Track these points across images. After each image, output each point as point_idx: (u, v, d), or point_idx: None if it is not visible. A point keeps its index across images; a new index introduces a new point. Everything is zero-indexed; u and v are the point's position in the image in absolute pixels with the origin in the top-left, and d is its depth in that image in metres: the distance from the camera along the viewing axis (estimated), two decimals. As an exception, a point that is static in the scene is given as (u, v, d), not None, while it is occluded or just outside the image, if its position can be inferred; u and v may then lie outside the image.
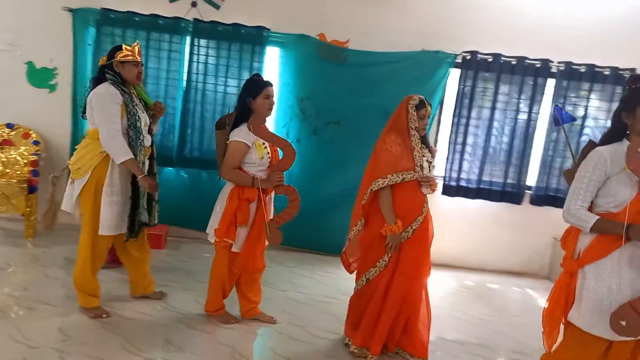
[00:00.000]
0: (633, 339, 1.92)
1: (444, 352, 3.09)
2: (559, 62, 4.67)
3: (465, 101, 4.76)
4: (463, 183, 4.83)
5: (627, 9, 4.62)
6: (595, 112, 4.76)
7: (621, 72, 4.66)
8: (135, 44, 3.01)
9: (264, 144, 2.92)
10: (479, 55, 4.67)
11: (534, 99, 4.74)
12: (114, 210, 2.89)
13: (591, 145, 2.14)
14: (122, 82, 2.92)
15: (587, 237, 2.03)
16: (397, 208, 2.72)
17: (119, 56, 2.89)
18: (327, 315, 3.43)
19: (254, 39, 4.66)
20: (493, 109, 4.75)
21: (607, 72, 4.67)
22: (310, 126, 4.78)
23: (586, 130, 4.78)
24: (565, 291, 2.05)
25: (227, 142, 2.88)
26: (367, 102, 4.64)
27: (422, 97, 2.81)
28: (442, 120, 4.91)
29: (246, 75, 4.70)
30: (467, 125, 4.77)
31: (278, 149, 3.05)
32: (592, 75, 4.68)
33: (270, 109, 2.94)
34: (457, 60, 4.68)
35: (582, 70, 4.68)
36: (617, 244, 1.91)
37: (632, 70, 4.63)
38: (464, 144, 4.78)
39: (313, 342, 3.03)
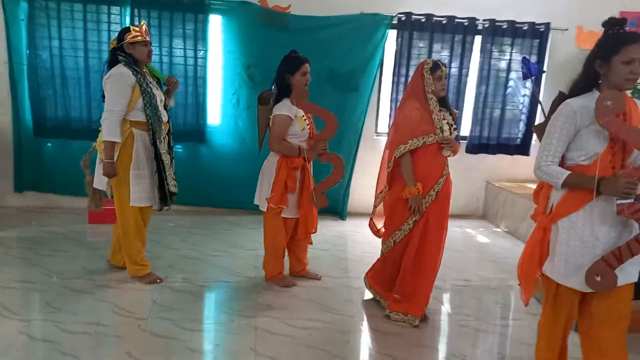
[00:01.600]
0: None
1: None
2: (484, 20, 5.08)
3: (403, 61, 5.08)
4: (405, 137, 5.21)
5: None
6: (516, 64, 5.24)
7: (537, 26, 5.15)
8: (142, 23, 3.11)
9: (304, 116, 3.12)
10: (413, 16, 4.98)
11: (464, 55, 5.15)
12: (142, 183, 3.08)
13: (561, 97, 2.08)
14: (135, 62, 3.04)
15: (558, 192, 2.00)
16: (418, 171, 2.77)
17: (129, 38, 3.02)
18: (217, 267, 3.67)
19: (195, 8, 4.67)
20: (428, 66, 5.11)
21: (525, 28, 5.15)
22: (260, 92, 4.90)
23: (510, 83, 5.29)
24: (539, 246, 2.05)
25: (270, 116, 3.12)
26: (313, 67, 4.80)
27: (436, 59, 2.84)
28: (383, 80, 5.22)
29: (190, 45, 4.75)
30: (406, 83, 5.10)
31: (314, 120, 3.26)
32: (513, 31, 5.15)
33: (307, 84, 3.11)
34: (393, 22, 4.97)
35: (504, 26, 5.13)
36: (589, 198, 1.89)
37: (547, 24, 5.13)
38: (404, 100, 5.14)
39: (196, 291, 3.29)
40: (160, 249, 3.92)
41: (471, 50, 5.16)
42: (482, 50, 5.17)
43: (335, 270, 3.71)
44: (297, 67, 3.08)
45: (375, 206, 3.09)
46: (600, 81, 1.94)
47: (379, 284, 3.10)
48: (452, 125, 2.84)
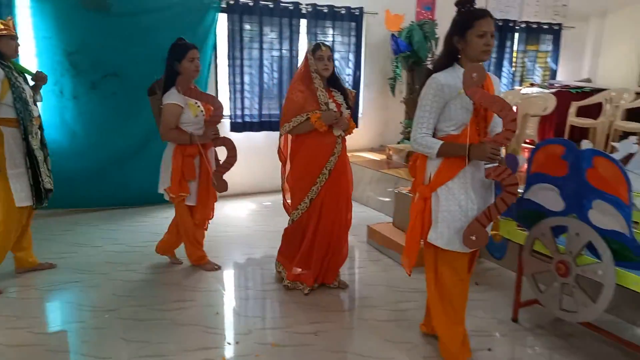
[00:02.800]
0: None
1: (263, 257, 3.72)
2: (307, 4, 5.46)
3: (236, 44, 5.21)
4: (247, 119, 5.39)
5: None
6: (339, 45, 5.78)
7: (353, 10, 5.72)
8: (9, 18, 2.95)
9: (196, 102, 3.04)
10: (241, 1, 5.12)
11: (292, 38, 5.48)
12: (23, 181, 3.00)
13: (427, 72, 2.19)
14: (1, 57, 2.95)
15: (434, 162, 2.10)
16: (307, 151, 2.88)
17: None
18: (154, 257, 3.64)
19: (-3, -12, 4.13)
20: (261, 49, 5.33)
21: (343, 12, 5.68)
22: (87, 81, 4.59)
23: (335, 63, 5.78)
24: (421, 216, 2.13)
25: (161, 106, 3.03)
26: (143, 52, 4.66)
27: (319, 41, 3.00)
28: (219, 64, 5.28)
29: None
30: (241, 66, 5.26)
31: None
32: (333, 14, 5.64)
33: (197, 71, 3.08)
34: (222, 6, 5.04)
35: (325, 10, 5.58)
36: (462, 164, 2.03)
37: (361, 8, 5.73)
38: (242, 83, 5.29)
39: (146, 278, 3.29)
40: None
41: (298, 32, 5.51)
42: (308, 33, 5.56)
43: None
44: (184, 53, 3.04)
45: (282, 188, 3.19)
46: (460, 56, 2.08)
47: (284, 256, 3.20)
48: (342, 104, 2.91)
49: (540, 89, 6.43)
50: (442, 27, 5.53)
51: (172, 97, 3.01)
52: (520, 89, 6.62)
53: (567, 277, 2.26)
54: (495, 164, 2.04)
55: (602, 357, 2.40)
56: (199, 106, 3.15)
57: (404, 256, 2.30)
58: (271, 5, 5.27)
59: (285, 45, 5.46)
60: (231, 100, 5.28)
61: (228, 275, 3.39)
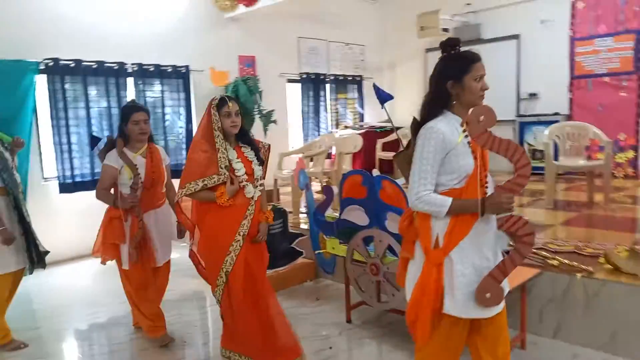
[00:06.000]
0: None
1: (109, 323, 3.70)
2: (132, 64, 5.64)
3: (59, 104, 5.12)
4: (78, 178, 5.25)
5: (173, 21, 6.04)
6: (169, 100, 6.04)
7: (179, 68, 6.06)
8: None
9: (136, 165, 2.99)
10: (61, 62, 5.08)
11: (120, 96, 5.58)
12: (5, 248, 2.95)
13: (416, 123, 1.97)
14: None
15: (441, 222, 1.86)
16: (215, 217, 2.50)
17: None
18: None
19: None
20: (87, 107, 5.31)
21: (170, 69, 5.99)
22: None
23: (167, 117, 6.03)
24: (434, 286, 1.85)
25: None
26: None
27: (223, 95, 2.62)
28: (41, 125, 5.11)
29: None
30: (67, 126, 5.16)
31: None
32: (160, 72, 5.91)
33: (143, 133, 3.01)
34: (41, 67, 4.95)
35: (152, 69, 5.83)
36: (473, 220, 1.83)
37: (187, 66, 6.11)
38: (69, 143, 5.18)
39: None
40: None
41: (125, 90, 5.64)
42: (136, 90, 5.72)
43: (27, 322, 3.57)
44: (127, 116, 3.00)
45: (191, 258, 2.77)
46: (451, 102, 1.90)
47: (231, 342, 2.69)
48: (252, 160, 2.59)
49: (353, 131, 7.56)
50: (263, 82, 6.29)
51: (110, 159, 3.00)
52: (336, 132, 7.68)
53: (378, 275, 2.88)
54: (508, 214, 1.84)
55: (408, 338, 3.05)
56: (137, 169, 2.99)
57: (413, 329, 1.96)
58: (95, 66, 5.33)
59: (113, 103, 5.53)
60: (58, 161, 5.12)
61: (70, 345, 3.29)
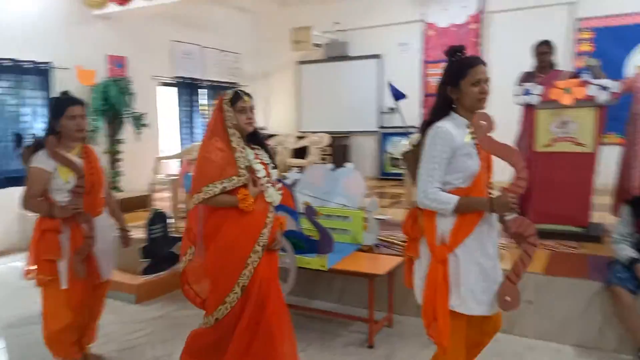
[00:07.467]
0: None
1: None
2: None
3: None
4: None
5: (33, 11, 5.56)
6: (29, 100, 5.54)
7: (39, 64, 5.59)
8: None
9: (76, 164, 2.54)
10: None
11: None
12: None
13: (425, 123, 2.00)
14: None
15: (447, 219, 1.91)
16: (234, 226, 2.23)
17: None
18: None
19: None
20: None
21: (29, 66, 5.50)
22: None
23: (26, 118, 5.51)
24: (442, 282, 1.89)
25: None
26: None
27: (239, 89, 2.34)
28: None
29: None
30: None
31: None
32: (17, 68, 5.39)
33: (81, 130, 2.55)
34: None
35: (8, 64, 5.30)
36: (478, 219, 1.89)
37: (49, 63, 5.66)
38: None
39: None
40: None
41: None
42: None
43: None
44: (61, 109, 2.53)
45: (183, 271, 2.41)
46: (455, 105, 1.97)
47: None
48: (268, 163, 2.38)
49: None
50: (136, 83, 6.10)
51: (39, 160, 2.51)
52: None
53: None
54: (513, 215, 1.92)
55: (298, 323, 3.28)
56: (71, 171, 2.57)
57: (433, 329, 1.94)
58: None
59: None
60: None
61: None
